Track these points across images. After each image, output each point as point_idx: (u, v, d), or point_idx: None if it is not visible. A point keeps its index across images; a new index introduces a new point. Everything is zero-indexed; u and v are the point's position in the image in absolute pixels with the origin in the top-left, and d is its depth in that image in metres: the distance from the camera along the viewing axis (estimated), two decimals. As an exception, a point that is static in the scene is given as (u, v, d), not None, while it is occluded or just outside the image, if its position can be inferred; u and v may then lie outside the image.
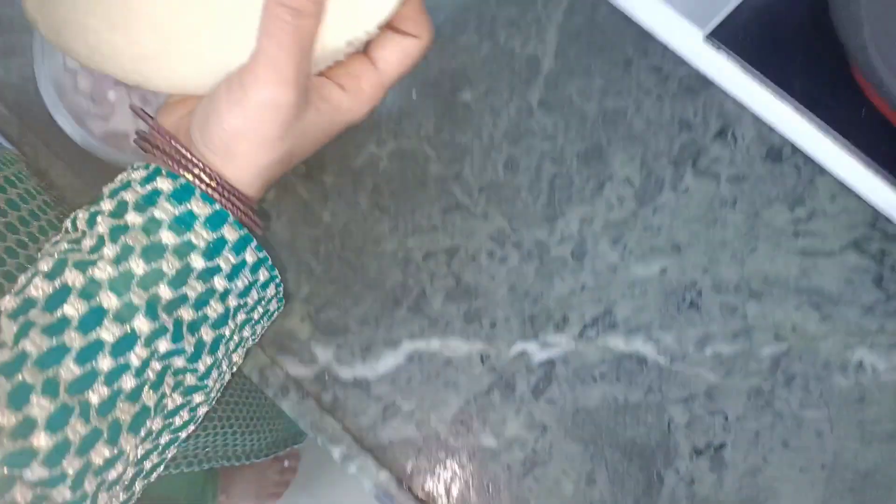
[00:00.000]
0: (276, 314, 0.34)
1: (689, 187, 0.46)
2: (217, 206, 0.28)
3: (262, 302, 0.32)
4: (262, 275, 0.31)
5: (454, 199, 0.46)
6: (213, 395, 0.31)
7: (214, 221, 0.28)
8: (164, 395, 0.28)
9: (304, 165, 0.46)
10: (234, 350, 0.31)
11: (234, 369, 0.33)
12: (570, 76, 0.49)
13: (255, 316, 0.32)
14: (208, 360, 0.29)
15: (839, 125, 0.40)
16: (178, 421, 0.30)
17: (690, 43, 0.43)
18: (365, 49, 0.31)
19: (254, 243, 0.29)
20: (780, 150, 0.47)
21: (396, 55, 0.31)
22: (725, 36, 0.42)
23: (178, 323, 0.28)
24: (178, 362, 0.28)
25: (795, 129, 0.42)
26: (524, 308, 0.44)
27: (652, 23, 0.44)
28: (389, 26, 0.31)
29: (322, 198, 0.46)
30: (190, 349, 0.28)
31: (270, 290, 0.32)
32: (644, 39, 0.49)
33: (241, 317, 0.31)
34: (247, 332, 0.32)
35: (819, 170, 0.46)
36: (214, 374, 0.30)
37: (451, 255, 0.45)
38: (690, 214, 0.45)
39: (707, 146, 0.47)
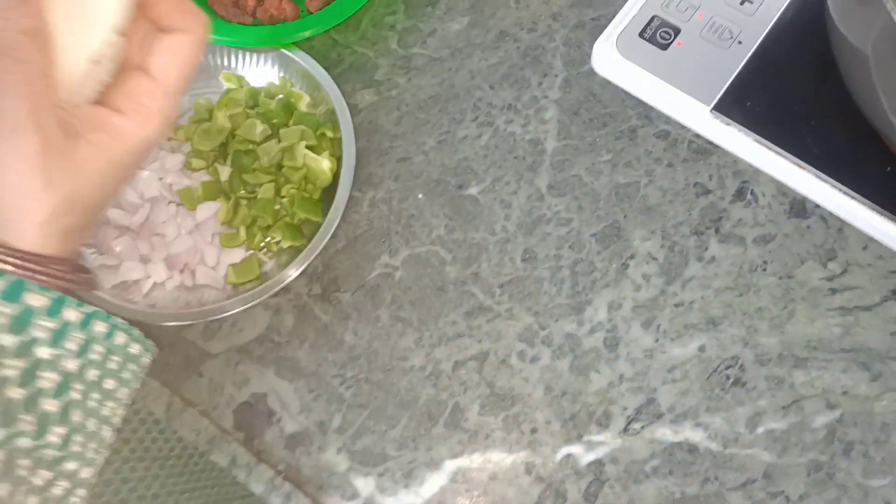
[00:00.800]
0: (146, 357, 0.32)
1: (715, 255, 0.45)
2: (9, 278, 0.26)
3: (117, 352, 0.30)
4: (100, 327, 0.29)
5: (476, 300, 0.45)
6: (91, 455, 0.30)
7: (11, 293, 0.26)
8: (22, 479, 0.27)
9: (319, 286, 0.46)
10: (101, 406, 0.30)
11: (118, 421, 0.31)
12: (576, 154, 0.47)
13: (113, 366, 0.30)
14: (61, 430, 0.28)
15: (864, 186, 0.39)
16: (58, 491, 0.28)
17: (697, 117, 0.41)
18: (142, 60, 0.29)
19: (73, 301, 0.28)
20: (803, 204, 0.45)
21: (169, 57, 0.29)
22: (731, 106, 0.40)
23: (6, 406, 0.26)
24: (24, 443, 0.26)
25: (817, 192, 0.41)
26: (563, 408, 0.42)
27: (654, 101, 0.43)
28: (158, 27, 0.29)
29: (342, 318, 0.45)
30: (32, 427, 0.27)
31: (120, 339, 0.30)
32: (646, 106, 0.47)
33: (92, 374, 0.29)
34: (111, 384, 0.30)
35: (846, 219, 0.44)
36: (78, 438, 0.29)
37: (481, 362, 0.43)
38: (721, 284, 0.44)
39: (727, 209, 0.45)
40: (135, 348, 0.31)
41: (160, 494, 0.42)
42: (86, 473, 0.30)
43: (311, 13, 0.49)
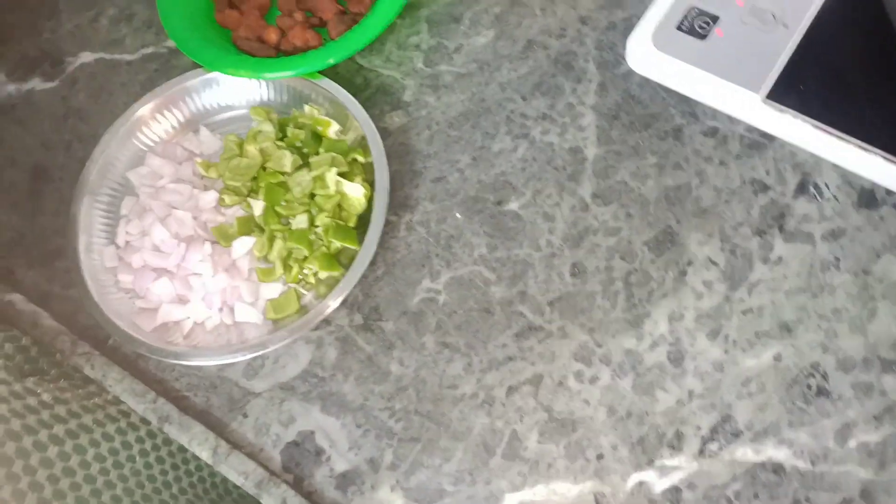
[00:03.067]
0: None
1: (781, 256, 0.41)
2: None
3: None
4: None
5: (525, 320, 0.42)
6: None
7: None
8: None
9: (360, 315, 0.44)
10: None
11: None
12: (619, 159, 0.45)
13: None
14: None
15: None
16: None
17: (748, 107, 0.39)
18: None
19: None
20: (872, 193, 0.41)
21: None
22: (785, 92, 0.38)
23: None
24: None
25: (887, 177, 0.37)
26: (630, 431, 0.39)
27: (701, 96, 0.40)
28: None
29: (386, 348, 0.43)
30: None
31: None
32: (690, 103, 0.45)
33: None
34: None
35: (925, 205, 0.41)
36: None
37: (536, 385, 0.41)
38: (791, 286, 0.40)
39: (790, 205, 0.42)
40: None
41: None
42: None
43: (334, 40, 0.48)
